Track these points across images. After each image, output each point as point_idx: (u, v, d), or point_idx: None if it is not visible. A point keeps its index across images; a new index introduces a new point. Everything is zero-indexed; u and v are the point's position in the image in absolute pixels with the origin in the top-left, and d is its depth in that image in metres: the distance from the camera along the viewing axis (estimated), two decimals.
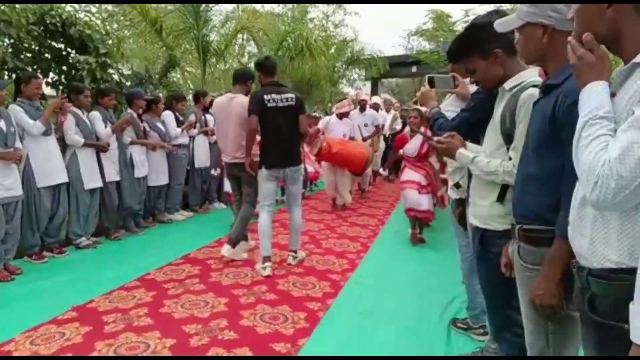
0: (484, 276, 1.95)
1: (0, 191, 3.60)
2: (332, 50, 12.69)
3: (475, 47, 1.82)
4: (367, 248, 4.73)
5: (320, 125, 6.76)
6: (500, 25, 1.58)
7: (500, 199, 1.77)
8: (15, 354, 2.51)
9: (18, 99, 3.95)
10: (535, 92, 1.61)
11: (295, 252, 4.20)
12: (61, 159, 4.26)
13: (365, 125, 7.37)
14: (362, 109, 7.58)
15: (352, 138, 6.77)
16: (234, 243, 4.08)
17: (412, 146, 4.78)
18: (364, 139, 7.16)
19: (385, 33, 23.36)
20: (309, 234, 5.19)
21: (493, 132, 1.84)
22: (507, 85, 1.79)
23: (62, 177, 4.23)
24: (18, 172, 3.80)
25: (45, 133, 4.04)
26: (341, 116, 6.81)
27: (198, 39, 8.46)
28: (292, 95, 3.91)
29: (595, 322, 1.09)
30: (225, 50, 9.49)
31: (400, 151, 4.98)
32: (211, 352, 2.57)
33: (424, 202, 4.65)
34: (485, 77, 1.85)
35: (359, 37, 15.10)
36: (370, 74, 14.65)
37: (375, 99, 8.93)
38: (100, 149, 4.62)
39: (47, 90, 6.32)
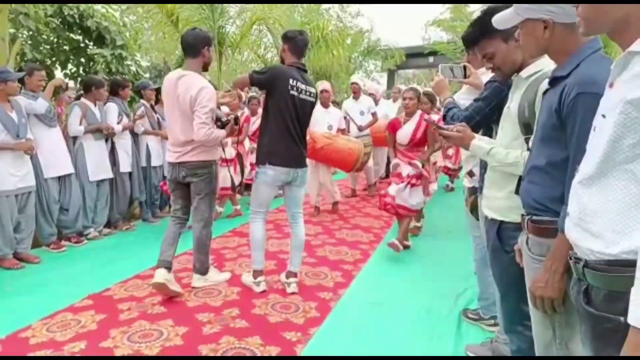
0: (499, 269, 1.91)
1: (15, 181, 3.68)
2: (349, 41, 12.58)
3: (496, 29, 1.76)
4: (380, 239, 4.70)
5: None
6: (498, 22, 1.54)
7: (517, 190, 1.73)
8: (32, 340, 2.57)
9: (22, 91, 4.00)
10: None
11: (295, 275, 3.32)
12: (66, 150, 4.31)
13: (361, 113, 6.47)
14: (357, 96, 6.64)
15: (342, 131, 5.83)
16: (202, 272, 3.33)
17: (405, 132, 4.22)
18: (361, 129, 6.32)
19: (402, 24, 23.06)
20: (322, 224, 5.18)
21: (509, 122, 1.80)
22: (524, 73, 1.75)
23: (68, 168, 4.29)
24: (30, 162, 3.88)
25: (50, 124, 4.10)
26: (327, 104, 5.72)
27: (214, 30, 8.47)
28: (314, 90, 3.28)
29: (591, 314, 1.09)
30: (241, 41, 9.49)
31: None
32: (223, 340, 2.58)
33: (405, 197, 4.08)
34: (505, 61, 1.80)
35: (375, 28, 14.93)
36: (387, 65, 14.51)
37: (378, 89, 7.80)
38: (109, 134, 4.63)
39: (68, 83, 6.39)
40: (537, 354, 1.66)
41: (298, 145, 3.21)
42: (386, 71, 17.15)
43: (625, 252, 1.00)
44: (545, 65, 1.71)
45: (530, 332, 1.89)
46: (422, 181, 4.16)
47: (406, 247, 4.20)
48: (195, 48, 3.04)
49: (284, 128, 3.13)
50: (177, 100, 3.00)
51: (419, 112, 4.19)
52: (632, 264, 0.96)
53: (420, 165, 4.13)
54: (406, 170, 4.14)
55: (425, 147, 4.33)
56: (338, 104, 7.49)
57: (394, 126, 4.38)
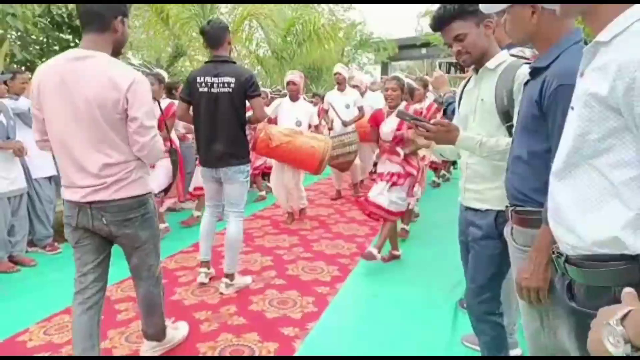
0: (488, 256, 1.89)
1: (6, 184, 3.66)
2: (341, 35, 12.54)
3: (472, 11, 1.76)
4: (376, 232, 4.70)
5: (270, 111, 5.08)
6: (486, 6, 1.54)
7: None
8: (30, 343, 2.57)
9: (6, 95, 3.95)
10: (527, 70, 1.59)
11: (230, 277, 3.20)
12: (49, 152, 4.25)
13: (347, 106, 5.79)
14: (341, 87, 5.94)
15: (316, 127, 5.22)
16: (159, 338, 2.42)
17: (388, 126, 3.68)
18: (345, 124, 5.71)
19: (395, 15, 23.00)
20: (318, 219, 5.19)
21: (486, 113, 1.82)
22: (491, 64, 1.79)
23: (52, 170, 4.23)
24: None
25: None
26: (295, 97, 5.06)
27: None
28: (232, 79, 3.03)
29: (574, 310, 1.09)
30: (233, 37, 9.43)
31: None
32: (221, 338, 2.59)
33: (384, 198, 3.62)
34: (475, 45, 1.79)
35: (367, 20, 14.89)
36: (380, 57, 14.49)
37: (356, 77, 6.78)
38: None
39: None
40: (527, 342, 1.69)
41: (220, 143, 3.09)
42: (379, 63, 17.11)
43: (596, 245, 0.99)
44: (505, 57, 1.80)
45: (502, 319, 1.95)
46: (407, 180, 3.67)
47: (394, 257, 3.83)
48: (102, 18, 1.92)
49: (202, 130, 3.14)
50: (81, 100, 1.88)
51: (403, 103, 3.73)
52: (608, 258, 0.96)
53: (402, 155, 3.66)
54: (387, 167, 3.71)
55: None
56: (320, 98, 6.96)
57: (376, 119, 3.88)
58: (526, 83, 1.50)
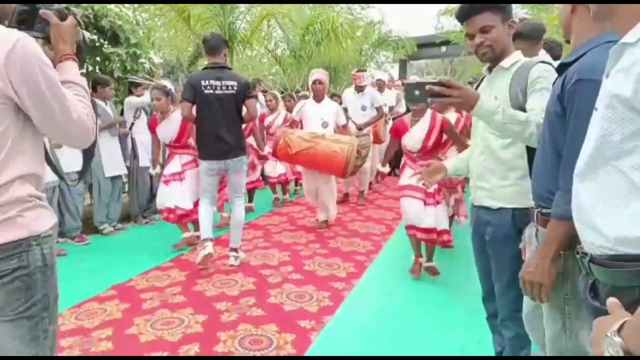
0: (509, 256, 1.88)
1: None
2: (359, 33, 12.56)
3: (502, 8, 1.79)
4: (392, 230, 4.78)
5: (295, 113, 5.07)
6: None
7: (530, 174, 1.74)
8: (62, 328, 2.72)
9: None
10: (543, 67, 1.65)
11: (236, 250, 3.77)
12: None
13: (363, 108, 5.58)
14: (359, 88, 5.65)
15: (343, 127, 4.96)
16: None
17: (414, 136, 3.40)
18: (360, 128, 5.42)
19: (414, 13, 22.85)
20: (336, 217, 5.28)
21: None
22: (506, 63, 1.81)
23: (78, 165, 4.41)
24: None
25: None
26: (321, 97, 4.83)
27: (224, 26, 8.57)
28: (234, 83, 3.52)
29: (598, 310, 1.06)
30: (252, 36, 9.58)
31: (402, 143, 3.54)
32: (240, 328, 2.71)
33: (430, 216, 3.32)
34: (498, 40, 1.80)
35: (386, 19, 14.85)
36: (398, 55, 14.45)
37: (380, 76, 6.96)
38: (124, 134, 4.83)
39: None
40: (546, 344, 1.73)
41: (224, 139, 3.53)
42: (397, 62, 17.04)
43: (620, 244, 0.98)
44: (521, 57, 1.81)
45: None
46: (442, 193, 3.46)
47: (434, 272, 3.49)
48: None
49: (209, 127, 3.54)
50: None
51: (429, 110, 3.42)
52: (633, 258, 0.96)
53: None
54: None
55: (443, 153, 3.68)
56: (338, 97, 6.72)
57: (397, 130, 3.54)
58: (554, 83, 1.51)
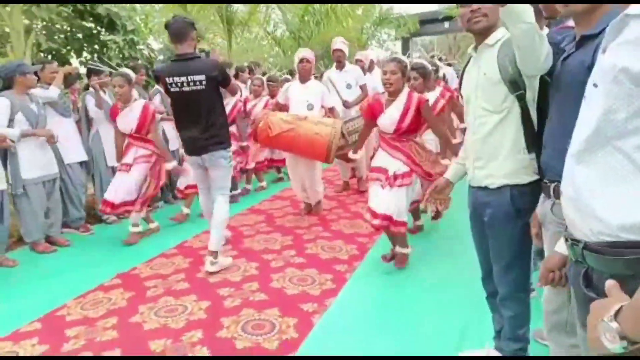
0: (509, 235, 1.88)
1: (38, 170, 3.88)
2: (359, 11, 12.35)
3: None
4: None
5: (280, 96, 4.73)
6: None
7: (529, 148, 1.74)
8: (68, 318, 2.77)
9: (38, 84, 4.14)
10: None
11: (214, 254, 3.30)
12: (79, 139, 4.47)
13: (348, 86, 5.24)
14: (339, 65, 5.33)
15: (331, 110, 4.61)
16: None
17: (389, 117, 3.15)
18: (347, 106, 5.10)
19: None
20: (337, 199, 5.27)
21: (491, 86, 1.78)
22: (491, 40, 1.79)
23: (82, 156, 4.46)
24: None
25: (65, 114, 4.26)
26: (307, 77, 4.52)
27: (222, 10, 8.45)
28: (202, 77, 3.14)
29: (592, 300, 1.00)
30: (250, 19, 9.46)
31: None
32: (243, 313, 2.73)
33: (384, 201, 3.07)
34: (493, 12, 1.75)
35: None
36: (401, 33, 14.21)
37: (369, 54, 6.33)
38: None
39: (83, 70, 6.54)
40: (544, 317, 1.73)
41: (199, 134, 3.29)
42: (400, 39, 16.78)
43: (622, 230, 0.94)
44: (505, 33, 1.77)
45: (529, 297, 1.95)
46: (412, 177, 3.18)
47: (402, 256, 3.30)
48: None
49: (180, 122, 3.39)
50: None
51: (405, 89, 3.17)
52: (634, 245, 0.91)
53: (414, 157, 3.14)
54: (394, 165, 3.14)
55: (419, 135, 3.40)
56: (318, 78, 6.28)
57: (372, 110, 3.27)
58: (565, 58, 1.46)
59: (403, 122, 3.12)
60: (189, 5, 8.38)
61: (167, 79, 3.20)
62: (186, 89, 3.19)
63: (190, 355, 2.35)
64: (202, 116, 3.27)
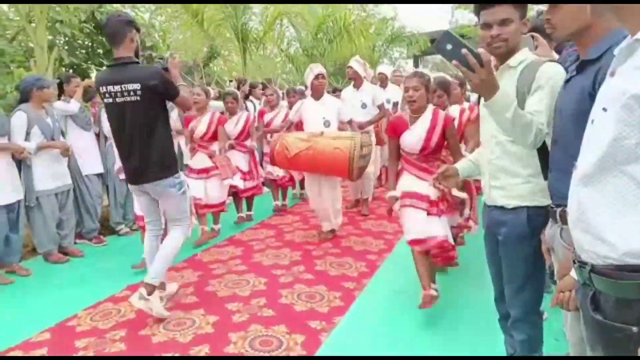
0: (523, 256, 1.86)
1: (52, 181, 3.99)
2: (372, 30, 12.51)
3: (523, 5, 1.74)
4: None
5: (292, 114, 4.64)
6: None
7: (544, 172, 1.73)
8: (78, 329, 2.79)
9: (62, 97, 4.32)
10: (554, 68, 1.58)
11: (150, 288, 2.77)
12: (98, 152, 4.60)
13: (363, 106, 5.06)
14: (356, 84, 5.15)
15: (349, 124, 4.46)
16: None
17: (414, 136, 2.93)
18: (361, 127, 4.75)
19: (428, 7, 22.53)
20: (347, 215, 5.26)
21: None
22: (513, 62, 1.77)
23: (100, 168, 4.58)
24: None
25: (85, 127, 4.40)
26: (320, 94, 4.38)
27: (237, 27, 8.63)
28: (137, 86, 2.61)
29: (599, 323, 1.02)
30: (265, 36, 9.64)
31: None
32: (251, 329, 2.73)
33: (437, 227, 2.81)
34: (513, 35, 1.74)
35: (399, 14, 14.74)
36: (412, 51, 14.32)
37: (383, 69, 6.02)
38: None
39: None
40: (571, 348, 1.69)
41: (136, 158, 2.75)
42: (411, 57, 16.90)
43: (628, 256, 0.94)
44: (528, 55, 1.77)
45: (542, 320, 1.92)
46: (449, 205, 2.95)
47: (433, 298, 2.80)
48: None
49: (117, 144, 2.86)
50: None
51: (430, 107, 2.97)
52: None
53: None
54: (429, 189, 2.81)
55: (445, 155, 3.14)
56: (340, 91, 6.30)
57: (395, 128, 3.05)
58: (567, 80, 1.48)
59: (430, 140, 2.91)
60: (206, 23, 8.59)
61: (100, 87, 2.70)
62: (119, 99, 2.65)
63: None
64: (137, 135, 2.70)
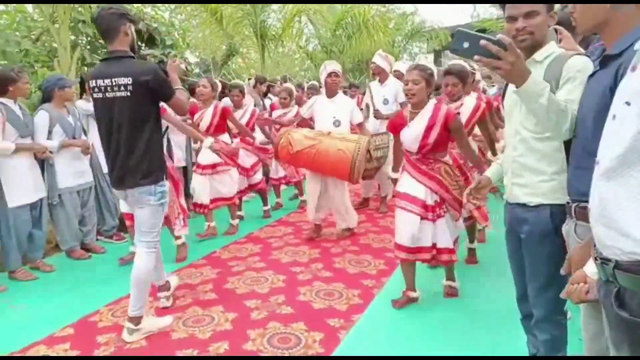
0: (547, 255, 1.81)
1: (75, 179, 4.06)
2: (391, 25, 12.39)
3: None
4: None
5: (305, 111, 4.53)
6: None
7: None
8: (100, 324, 2.83)
9: (84, 95, 4.37)
10: (583, 60, 1.53)
11: (134, 320, 2.62)
12: None
13: (385, 101, 5.05)
14: (381, 79, 5.15)
15: (359, 126, 4.33)
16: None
17: (411, 132, 2.80)
18: (377, 116, 4.95)
19: (448, 2, 22.17)
20: (366, 212, 5.21)
21: None
22: (539, 56, 1.72)
23: None
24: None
25: None
26: (334, 92, 4.28)
27: (256, 25, 8.65)
28: (128, 80, 2.44)
29: (625, 320, 1.01)
30: (284, 33, 9.63)
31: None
32: (269, 326, 2.72)
33: (427, 236, 2.80)
34: (539, 28, 1.70)
35: (419, 9, 14.56)
36: (432, 46, 14.14)
37: (399, 66, 5.76)
38: None
39: None
40: (585, 345, 1.64)
41: (121, 160, 2.57)
42: (432, 52, 16.70)
43: None
44: (555, 49, 1.73)
45: (566, 320, 1.87)
46: (448, 203, 2.87)
47: (410, 300, 2.95)
48: None
49: (103, 144, 2.65)
50: None
51: (431, 101, 2.84)
52: None
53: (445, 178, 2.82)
54: (426, 194, 2.80)
55: (447, 154, 2.94)
56: (356, 87, 6.50)
57: (394, 125, 2.96)
58: (592, 75, 1.45)
59: (428, 138, 2.76)
60: (225, 21, 8.64)
61: (90, 82, 2.53)
62: (109, 94, 2.49)
63: None
64: (123, 134, 2.52)
